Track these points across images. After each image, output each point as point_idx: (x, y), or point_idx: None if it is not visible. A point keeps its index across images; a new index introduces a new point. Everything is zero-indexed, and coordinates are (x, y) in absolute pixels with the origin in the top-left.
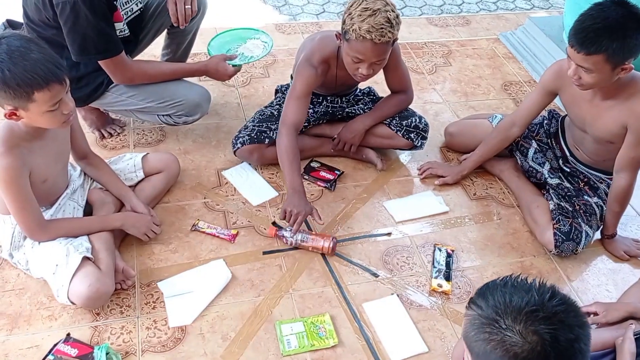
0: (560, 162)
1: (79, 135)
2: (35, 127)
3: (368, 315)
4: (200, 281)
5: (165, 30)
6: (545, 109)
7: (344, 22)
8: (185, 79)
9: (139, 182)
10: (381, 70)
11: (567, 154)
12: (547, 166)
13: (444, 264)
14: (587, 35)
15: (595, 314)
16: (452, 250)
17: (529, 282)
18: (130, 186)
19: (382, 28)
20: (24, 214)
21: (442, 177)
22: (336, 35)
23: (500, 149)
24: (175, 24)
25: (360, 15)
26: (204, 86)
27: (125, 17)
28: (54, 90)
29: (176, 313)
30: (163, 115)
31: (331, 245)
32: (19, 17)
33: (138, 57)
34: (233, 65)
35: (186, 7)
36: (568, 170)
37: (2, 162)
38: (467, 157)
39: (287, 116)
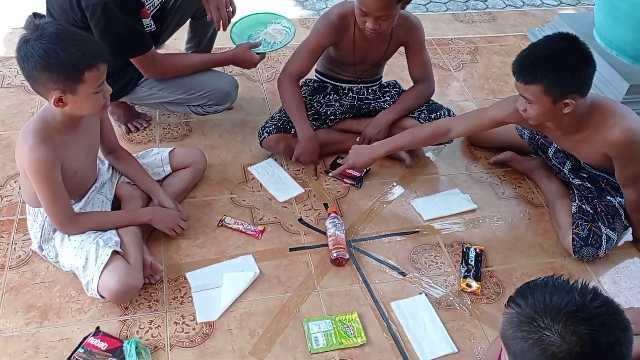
0: (575, 168)
1: (109, 129)
2: (70, 118)
3: (396, 314)
4: (228, 276)
5: (188, 23)
6: None
7: None
8: (212, 69)
9: (166, 176)
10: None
11: (581, 162)
12: (567, 165)
13: (473, 264)
14: (524, 63)
15: None
16: (481, 250)
17: (570, 282)
18: (157, 181)
19: None
20: (55, 207)
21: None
22: None
23: (423, 145)
24: (218, 30)
25: None
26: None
27: (149, 11)
28: (101, 69)
29: (204, 308)
30: (194, 106)
31: (333, 256)
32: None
33: (162, 51)
34: (257, 53)
35: (227, 10)
36: (585, 175)
37: (35, 154)
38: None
39: (291, 65)
